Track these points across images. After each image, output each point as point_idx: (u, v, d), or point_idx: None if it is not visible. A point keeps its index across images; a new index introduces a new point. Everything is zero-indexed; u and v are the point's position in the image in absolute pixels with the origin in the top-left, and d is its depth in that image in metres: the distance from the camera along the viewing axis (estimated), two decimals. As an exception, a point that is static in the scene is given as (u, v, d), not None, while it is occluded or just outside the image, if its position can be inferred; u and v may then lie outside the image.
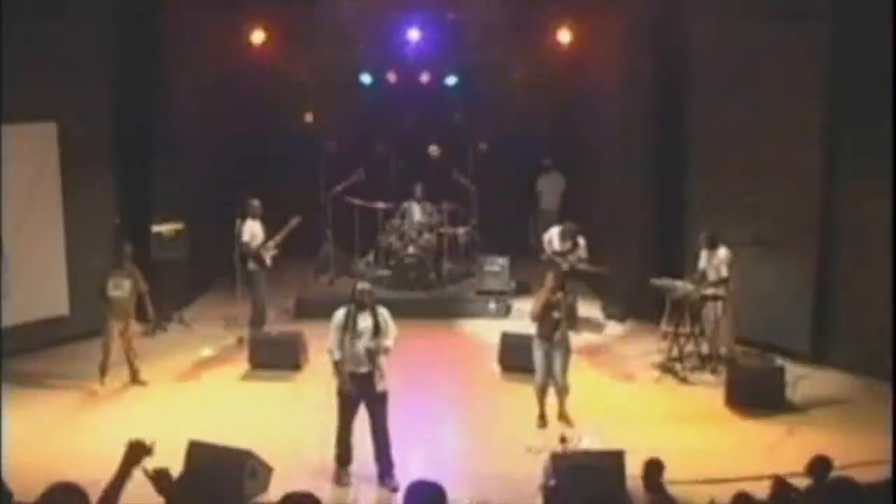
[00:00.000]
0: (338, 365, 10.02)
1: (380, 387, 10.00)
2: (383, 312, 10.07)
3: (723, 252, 13.12)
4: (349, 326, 9.94)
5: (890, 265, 12.37)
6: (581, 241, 14.92)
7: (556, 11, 16.60)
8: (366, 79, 17.79)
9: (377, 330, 9.91)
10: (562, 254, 14.91)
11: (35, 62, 13.11)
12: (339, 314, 10.06)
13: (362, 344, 9.89)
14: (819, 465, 7.66)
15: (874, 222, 12.70)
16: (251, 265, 14.39)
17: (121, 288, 12.66)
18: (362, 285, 10.19)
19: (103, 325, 12.76)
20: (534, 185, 18.67)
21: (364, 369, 9.94)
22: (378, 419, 10.06)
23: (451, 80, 17.80)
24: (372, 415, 10.07)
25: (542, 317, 11.44)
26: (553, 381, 11.54)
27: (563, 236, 15.09)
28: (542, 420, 11.60)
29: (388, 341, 9.99)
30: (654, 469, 7.72)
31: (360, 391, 10.01)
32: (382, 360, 10.05)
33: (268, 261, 14.43)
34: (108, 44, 14.28)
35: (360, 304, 9.99)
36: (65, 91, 13.60)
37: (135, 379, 12.90)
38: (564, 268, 14.96)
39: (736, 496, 6.60)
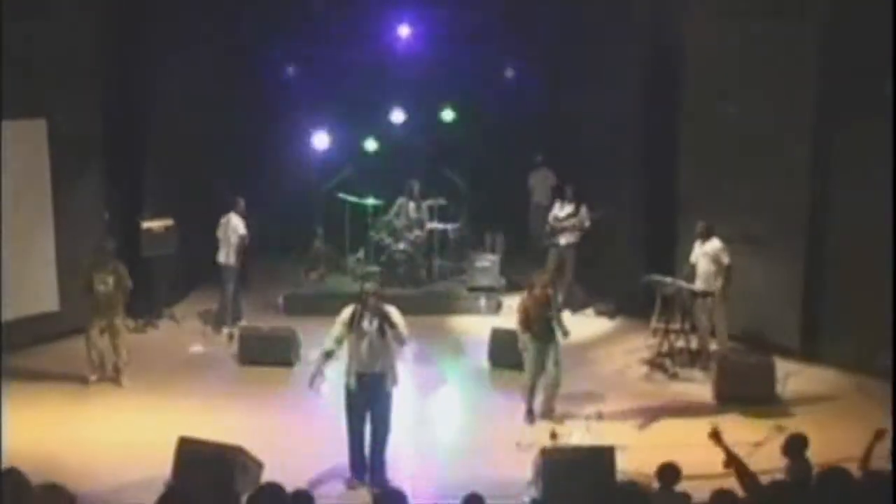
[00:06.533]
0: (323, 356, 9.99)
1: (387, 388, 9.97)
2: (391, 312, 9.92)
3: (717, 242, 13.16)
4: (354, 326, 9.89)
5: (882, 263, 12.41)
6: (584, 209, 15.41)
7: (549, 8, 16.66)
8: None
9: (383, 332, 9.82)
10: (564, 220, 15.54)
11: (24, 59, 13.07)
12: (346, 312, 9.98)
13: (367, 344, 9.86)
14: (795, 445, 7.74)
15: (864, 219, 12.74)
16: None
17: (105, 283, 12.65)
18: (369, 286, 10.11)
19: (87, 322, 12.78)
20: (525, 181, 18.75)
21: (369, 370, 9.89)
22: (379, 419, 10.04)
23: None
24: (373, 414, 10.04)
25: (533, 318, 11.46)
26: (545, 377, 11.56)
27: (563, 197, 15.72)
28: (531, 416, 11.64)
29: (402, 331, 9.88)
30: (669, 473, 7.83)
31: (365, 392, 9.96)
32: (396, 362, 10.08)
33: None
34: (97, 40, 14.24)
35: (366, 304, 9.91)
36: (54, 88, 13.58)
37: (115, 378, 12.84)
38: (562, 242, 15.24)
39: (716, 493, 6.63)
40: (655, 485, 8.01)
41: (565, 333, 11.74)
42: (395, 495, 5.48)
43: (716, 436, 7.49)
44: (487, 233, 17.48)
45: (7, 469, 5.95)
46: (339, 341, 10.02)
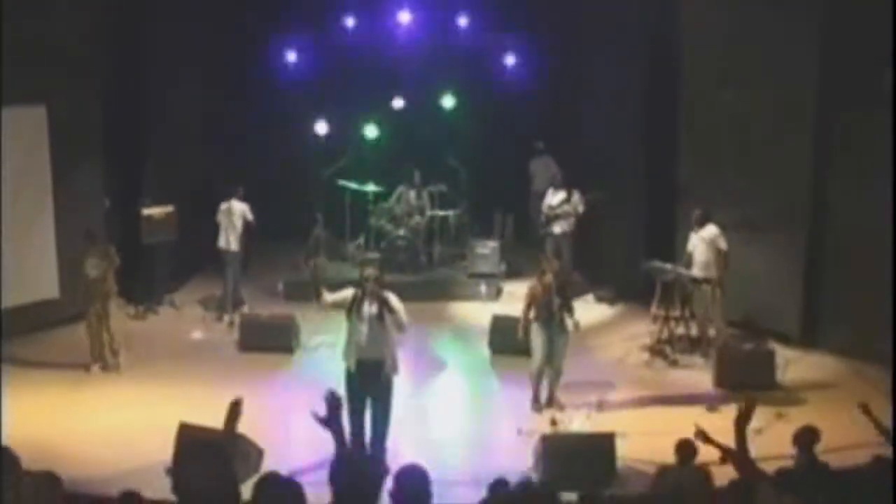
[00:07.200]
0: (321, 296, 10.07)
1: (387, 374, 9.96)
2: (391, 298, 9.90)
3: (713, 228, 13.14)
4: (354, 310, 9.89)
5: (881, 251, 12.40)
6: (576, 194, 15.32)
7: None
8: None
9: (382, 318, 9.81)
10: (558, 207, 15.44)
11: (25, 46, 13.03)
12: (349, 292, 10.00)
13: (366, 330, 9.86)
14: (806, 437, 7.78)
15: (864, 206, 12.75)
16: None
17: (97, 268, 12.62)
18: (369, 271, 10.05)
19: (85, 310, 12.80)
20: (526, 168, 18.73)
21: (368, 356, 9.89)
22: (380, 405, 10.05)
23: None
24: (374, 401, 10.04)
25: (541, 305, 11.45)
26: (549, 364, 11.56)
27: (555, 186, 15.68)
28: (537, 403, 11.64)
29: (401, 317, 9.85)
30: (686, 450, 7.96)
31: (365, 379, 9.96)
32: (397, 349, 10.06)
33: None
34: (97, 27, 14.21)
35: (365, 289, 9.89)
36: (54, 74, 13.54)
37: (114, 363, 12.82)
38: (557, 231, 15.18)
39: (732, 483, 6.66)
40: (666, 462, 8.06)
41: (576, 325, 11.76)
42: (415, 471, 5.44)
43: (702, 435, 7.50)
44: (497, 214, 17.50)
45: None
46: (334, 303, 10.05)
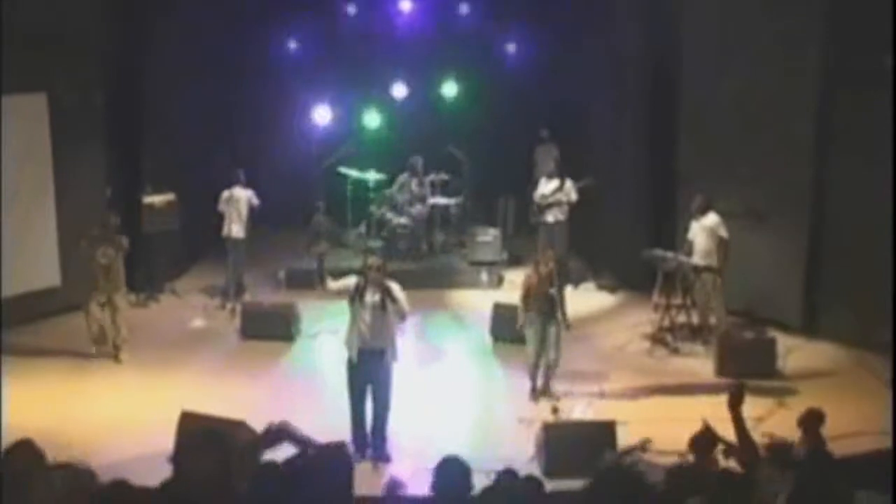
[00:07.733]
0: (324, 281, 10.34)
1: (388, 363, 10.02)
2: (393, 287, 9.99)
3: (714, 216, 13.11)
4: (356, 298, 9.95)
5: (882, 239, 12.39)
6: (568, 182, 15.26)
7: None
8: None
9: (384, 307, 9.87)
10: (551, 196, 15.33)
11: (25, 33, 12.99)
12: (352, 280, 10.08)
13: (368, 318, 9.89)
14: (811, 419, 7.79)
15: (865, 195, 12.72)
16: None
17: (107, 256, 12.61)
18: (372, 260, 10.19)
19: (87, 296, 12.76)
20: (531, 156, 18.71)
21: (370, 345, 9.94)
22: (380, 393, 10.10)
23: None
24: (374, 389, 10.09)
25: (535, 295, 11.45)
26: (545, 354, 11.56)
27: (549, 176, 15.56)
28: (535, 394, 11.65)
29: (403, 306, 9.95)
30: (704, 442, 7.82)
31: (366, 368, 10.00)
32: (397, 337, 10.14)
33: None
34: (98, 14, 14.18)
35: (368, 278, 9.96)
36: (55, 62, 13.52)
37: (114, 354, 12.77)
38: (550, 220, 15.11)
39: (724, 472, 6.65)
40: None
41: (567, 327, 11.78)
42: (456, 464, 5.52)
43: (710, 432, 7.49)
44: (500, 202, 17.48)
45: (21, 441, 5.96)
46: (338, 291, 10.18)
